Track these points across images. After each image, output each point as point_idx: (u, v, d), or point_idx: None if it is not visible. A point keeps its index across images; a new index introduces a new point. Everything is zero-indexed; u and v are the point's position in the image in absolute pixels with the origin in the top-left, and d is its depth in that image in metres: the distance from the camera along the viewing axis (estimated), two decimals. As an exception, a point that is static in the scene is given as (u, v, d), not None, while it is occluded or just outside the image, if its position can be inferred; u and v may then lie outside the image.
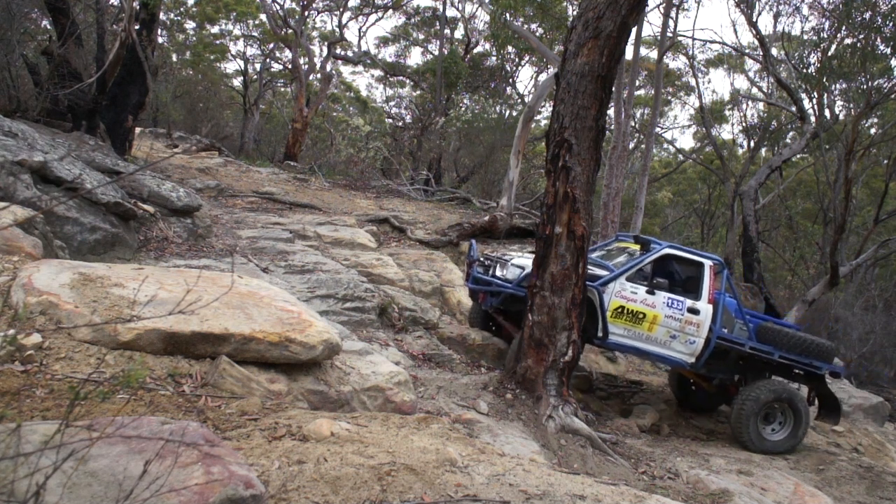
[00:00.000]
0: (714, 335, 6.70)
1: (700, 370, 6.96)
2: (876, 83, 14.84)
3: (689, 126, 27.82)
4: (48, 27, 12.05)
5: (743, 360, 7.09)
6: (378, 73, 26.05)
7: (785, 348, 6.82)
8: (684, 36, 24.09)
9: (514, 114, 22.00)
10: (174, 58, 24.21)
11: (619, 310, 6.56)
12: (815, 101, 16.38)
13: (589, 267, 6.55)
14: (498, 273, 6.88)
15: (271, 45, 24.84)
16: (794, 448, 6.81)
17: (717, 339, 6.71)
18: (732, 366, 7.24)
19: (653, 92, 18.39)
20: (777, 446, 6.69)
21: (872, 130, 18.18)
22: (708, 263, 6.89)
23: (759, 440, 6.64)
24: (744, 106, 22.53)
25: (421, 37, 25.15)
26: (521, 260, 6.93)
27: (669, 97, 25.02)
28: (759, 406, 6.59)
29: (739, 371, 7.29)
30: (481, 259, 7.44)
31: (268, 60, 25.86)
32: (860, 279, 17.92)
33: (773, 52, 17.97)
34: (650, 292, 6.64)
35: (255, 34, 25.33)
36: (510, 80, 23.89)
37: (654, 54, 17.47)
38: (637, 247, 7.21)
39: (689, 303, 6.74)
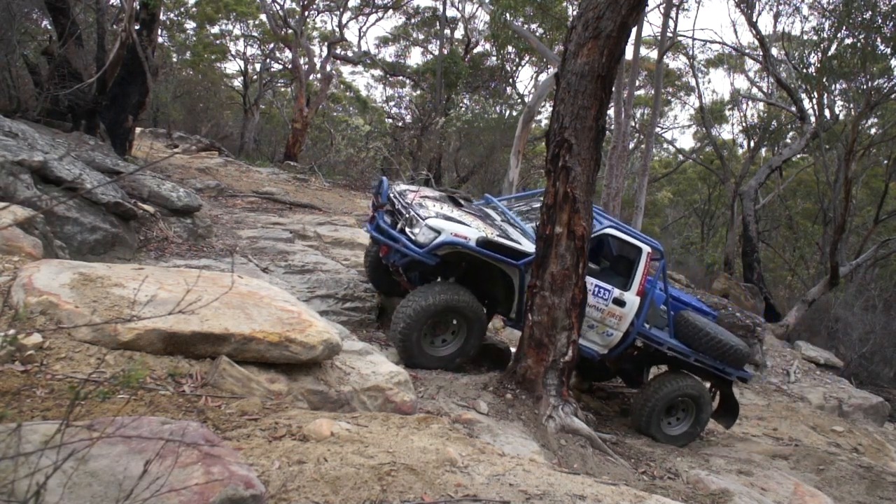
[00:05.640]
0: (635, 329, 6.33)
1: (609, 360, 6.64)
2: (876, 83, 14.86)
3: (689, 126, 27.89)
4: (48, 27, 12.03)
5: (656, 354, 6.81)
6: (378, 73, 26.07)
7: (702, 350, 6.59)
8: (684, 36, 24.07)
9: (514, 114, 22.01)
10: (174, 58, 24.20)
11: None
12: (815, 101, 16.40)
13: (516, 238, 6.05)
14: (407, 230, 5.83)
15: (271, 45, 24.83)
16: (689, 443, 6.68)
17: (636, 336, 6.37)
18: (643, 360, 7.05)
19: (653, 92, 18.40)
20: (673, 440, 6.55)
21: (872, 130, 18.20)
22: (646, 250, 6.38)
23: (658, 431, 6.51)
24: (744, 106, 22.57)
25: (421, 37, 25.17)
26: (437, 221, 5.75)
27: (669, 97, 25.04)
28: (665, 400, 6.46)
29: (649, 364, 7.11)
30: (392, 202, 6.30)
31: (268, 60, 25.86)
32: (860, 279, 17.92)
33: (773, 52, 17.99)
34: None
35: (255, 34, 25.33)
36: (510, 80, 23.90)
37: (654, 54, 17.47)
38: None
39: (616, 293, 6.26)
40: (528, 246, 5.96)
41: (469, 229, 5.82)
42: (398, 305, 5.84)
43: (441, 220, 5.79)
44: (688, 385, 6.59)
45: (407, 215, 5.94)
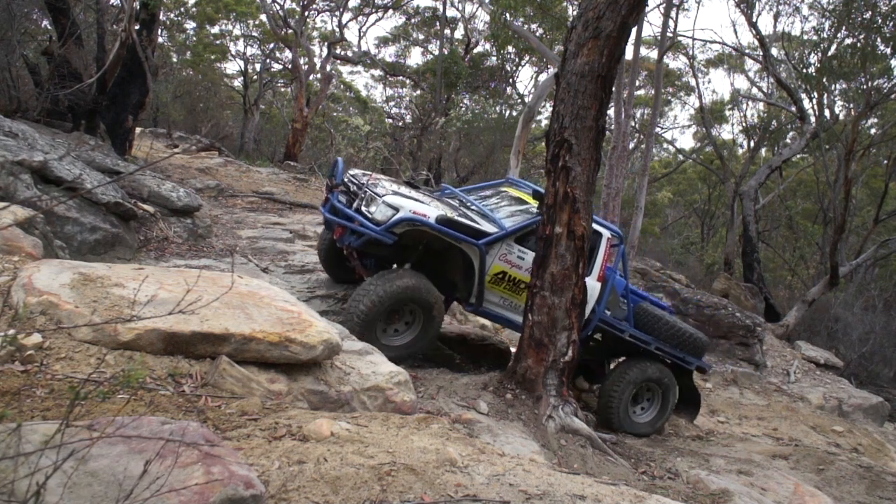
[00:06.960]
0: (596, 317, 6.24)
1: None
2: (876, 83, 14.88)
3: (689, 126, 27.89)
4: (48, 27, 12.04)
5: (617, 343, 6.72)
6: (378, 73, 26.06)
7: (662, 338, 6.56)
8: (684, 36, 24.13)
9: (514, 114, 22.00)
10: (174, 58, 24.20)
11: (500, 276, 5.79)
12: (815, 101, 16.40)
13: (476, 220, 5.91)
14: (364, 209, 5.53)
15: (271, 45, 24.82)
16: (656, 432, 6.61)
17: (597, 322, 6.30)
18: (604, 352, 7.02)
19: (653, 92, 18.40)
20: (641, 428, 6.48)
21: (872, 130, 18.21)
22: (606, 235, 6.29)
23: (627, 420, 6.44)
24: (744, 106, 22.59)
25: (421, 37, 25.17)
26: (394, 199, 5.48)
27: (669, 97, 25.05)
28: (631, 386, 6.39)
29: (610, 354, 7.08)
30: (347, 183, 6.06)
31: (268, 60, 25.84)
32: (860, 279, 17.93)
33: (773, 52, 18.00)
34: None
35: (255, 34, 25.33)
36: (510, 80, 23.90)
37: (654, 54, 17.47)
38: (531, 199, 6.33)
39: None
40: (488, 227, 5.86)
41: (428, 207, 5.60)
42: (352, 294, 5.54)
43: (399, 198, 5.54)
44: (650, 369, 6.53)
45: (363, 194, 5.65)
